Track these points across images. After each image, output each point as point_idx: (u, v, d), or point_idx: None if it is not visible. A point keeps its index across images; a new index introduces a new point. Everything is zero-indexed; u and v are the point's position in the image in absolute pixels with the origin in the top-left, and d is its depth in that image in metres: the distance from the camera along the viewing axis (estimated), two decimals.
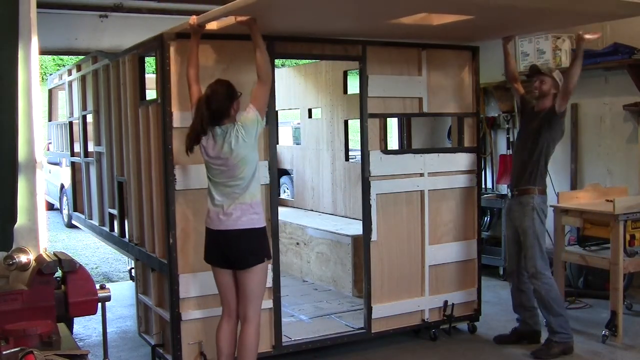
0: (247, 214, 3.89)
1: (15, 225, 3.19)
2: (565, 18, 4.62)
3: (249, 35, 4.14)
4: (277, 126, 5.92)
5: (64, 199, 12.32)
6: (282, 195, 11.05)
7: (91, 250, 9.87)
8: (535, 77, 5.04)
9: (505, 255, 5.58)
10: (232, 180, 3.89)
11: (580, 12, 4.41)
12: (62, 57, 20.44)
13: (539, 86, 5.01)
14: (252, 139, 3.89)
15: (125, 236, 5.41)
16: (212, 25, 4.22)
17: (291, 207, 7.88)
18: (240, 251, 3.91)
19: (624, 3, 4.15)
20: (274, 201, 4.61)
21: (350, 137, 7.01)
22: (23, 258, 2.91)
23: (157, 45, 4.35)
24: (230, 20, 4.08)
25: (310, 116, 7.62)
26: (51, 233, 10.78)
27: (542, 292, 4.91)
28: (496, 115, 7.81)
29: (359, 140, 5.01)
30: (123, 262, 8.63)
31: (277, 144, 4.99)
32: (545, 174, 5.08)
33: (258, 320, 4.03)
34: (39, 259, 2.90)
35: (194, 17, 4.07)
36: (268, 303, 4.58)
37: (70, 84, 6.96)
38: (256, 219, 3.93)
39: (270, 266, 4.58)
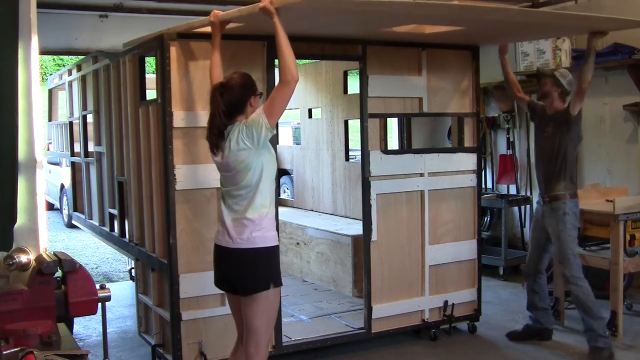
0: (248, 231, 3.39)
1: (15, 225, 3.20)
2: (554, 31, 4.77)
3: (249, 36, 4.14)
4: (277, 126, 5.90)
5: (64, 199, 12.32)
6: (282, 195, 11.05)
7: (91, 250, 9.87)
8: (541, 80, 5.04)
9: (527, 257, 5.44)
10: (235, 190, 3.43)
11: (565, 26, 4.55)
12: (62, 57, 20.45)
13: (540, 88, 5.02)
14: (254, 142, 3.37)
15: (125, 236, 5.41)
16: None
17: (291, 207, 7.88)
18: (239, 275, 3.44)
19: (606, 19, 4.45)
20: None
21: (350, 137, 7.01)
22: (23, 258, 2.91)
23: (157, 45, 4.35)
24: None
25: (310, 116, 7.62)
26: (51, 233, 10.78)
27: (580, 297, 4.85)
28: (496, 115, 7.81)
29: (359, 140, 5.01)
30: (123, 262, 8.63)
31: (277, 144, 4.99)
32: (575, 176, 4.98)
33: (261, 355, 3.46)
34: (39, 259, 2.90)
35: (217, 11, 3.82)
36: None
37: (70, 84, 6.96)
38: (259, 238, 3.39)
39: None
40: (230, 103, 3.44)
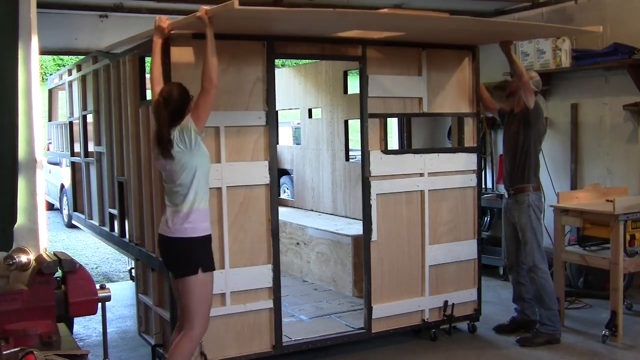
0: (180, 223, 3.78)
1: (15, 225, 3.20)
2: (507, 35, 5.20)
3: (248, 36, 4.13)
4: (277, 126, 5.91)
5: (64, 199, 12.32)
6: (282, 195, 11.05)
7: (91, 250, 9.88)
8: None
9: (505, 252, 5.93)
10: (173, 186, 3.81)
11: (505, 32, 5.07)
12: (62, 57, 20.44)
13: (508, 87, 5.41)
14: (186, 145, 3.73)
15: (125, 236, 5.41)
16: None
17: (291, 207, 7.88)
18: (173, 259, 3.88)
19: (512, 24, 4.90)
20: (274, 201, 4.61)
21: (350, 137, 7.01)
22: (23, 258, 2.91)
23: None
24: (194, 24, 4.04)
25: (310, 116, 7.61)
26: (51, 233, 10.78)
27: (537, 285, 5.15)
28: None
29: (359, 140, 5.01)
30: (123, 262, 8.63)
31: (277, 144, 4.99)
32: (538, 170, 5.30)
33: (192, 334, 3.83)
34: (39, 259, 2.90)
35: (162, 17, 4.05)
36: (268, 303, 4.58)
37: (70, 84, 6.97)
38: (190, 229, 3.78)
39: (270, 266, 4.59)
40: (173, 112, 3.77)
